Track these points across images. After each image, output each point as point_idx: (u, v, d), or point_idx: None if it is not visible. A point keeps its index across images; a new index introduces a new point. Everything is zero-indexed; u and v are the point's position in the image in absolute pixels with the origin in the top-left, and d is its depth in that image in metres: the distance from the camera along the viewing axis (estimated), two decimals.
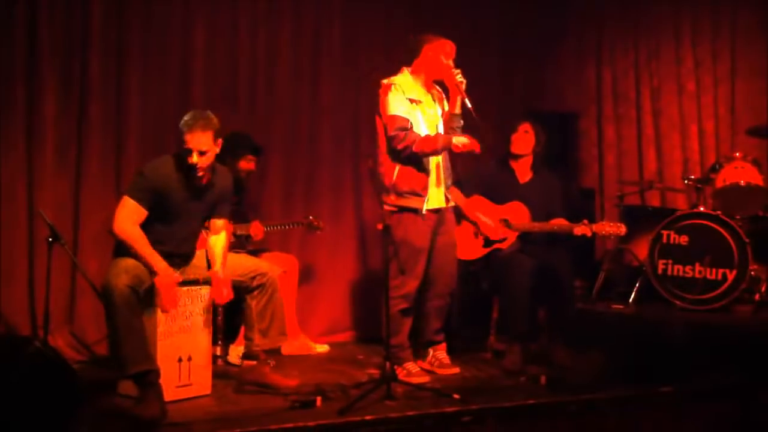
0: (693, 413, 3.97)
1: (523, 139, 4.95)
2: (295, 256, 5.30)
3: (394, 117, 4.29)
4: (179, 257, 3.96)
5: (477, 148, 4.24)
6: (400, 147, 4.27)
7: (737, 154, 5.29)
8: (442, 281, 4.52)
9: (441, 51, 4.39)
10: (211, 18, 5.38)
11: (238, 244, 4.80)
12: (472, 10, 6.27)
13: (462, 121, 4.44)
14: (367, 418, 3.51)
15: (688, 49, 6.32)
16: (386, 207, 4.28)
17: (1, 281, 4.70)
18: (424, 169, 4.37)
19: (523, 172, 5.01)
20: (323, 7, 5.79)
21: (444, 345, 4.64)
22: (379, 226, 4.09)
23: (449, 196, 4.52)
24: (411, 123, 4.31)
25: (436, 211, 4.45)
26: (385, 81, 4.40)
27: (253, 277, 4.03)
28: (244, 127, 5.14)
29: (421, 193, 4.36)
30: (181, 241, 3.95)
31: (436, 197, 4.44)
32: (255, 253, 4.83)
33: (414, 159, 4.32)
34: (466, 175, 5.00)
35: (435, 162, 4.43)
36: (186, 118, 3.81)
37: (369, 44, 5.90)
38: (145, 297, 3.73)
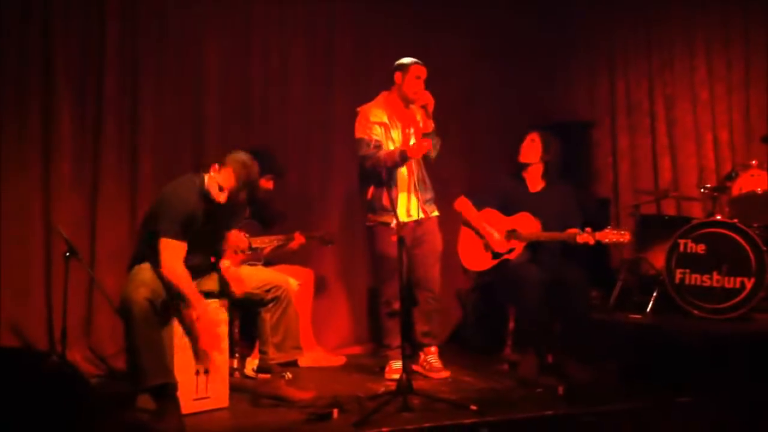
0: (710, 424, 3.94)
1: (530, 148, 4.97)
2: (311, 268, 5.31)
3: (359, 140, 4.64)
4: (197, 270, 3.97)
5: (427, 145, 4.56)
6: (368, 165, 4.58)
7: (753, 162, 5.27)
8: (423, 287, 4.74)
9: (410, 77, 4.66)
10: (225, 34, 5.42)
11: (254, 256, 4.81)
12: (484, 25, 6.31)
13: (437, 139, 4.71)
14: (384, 430, 3.50)
15: (702, 58, 6.29)
16: (367, 223, 4.70)
17: (19, 296, 4.72)
18: (395, 185, 4.63)
19: (534, 181, 5.01)
20: (336, 24, 5.83)
21: (435, 349, 4.78)
22: (394, 238, 4.13)
23: (427, 209, 4.74)
24: (379, 142, 4.60)
25: (414, 222, 4.67)
26: (360, 109, 4.72)
27: (268, 290, 4.04)
28: (258, 142, 5.15)
29: (391, 207, 4.51)
30: (201, 257, 3.96)
31: (410, 209, 4.69)
32: (270, 265, 4.84)
33: (382, 178, 4.54)
34: (480, 189, 5.05)
35: (406, 177, 4.68)
36: (241, 160, 3.86)
37: (381, 60, 5.90)
38: (163, 310, 3.74)
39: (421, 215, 4.72)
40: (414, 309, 4.77)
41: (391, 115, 4.68)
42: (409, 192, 4.69)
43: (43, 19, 4.81)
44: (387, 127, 4.66)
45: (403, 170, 4.67)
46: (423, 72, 4.67)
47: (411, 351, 4.75)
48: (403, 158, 4.55)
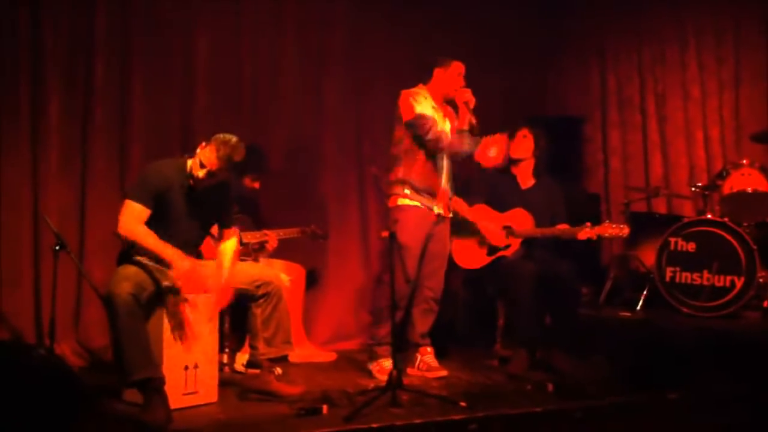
0: (700, 420, 3.95)
1: (522, 144, 4.99)
2: (301, 263, 5.29)
3: (422, 115, 4.48)
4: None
5: (499, 160, 4.49)
6: (429, 135, 4.44)
7: (744, 161, 5.28)
8: (428, 286, 4.63)
9: (452, 74, 4.61)
10: (215, 24, 5.39)
11: (244, 252, 4.79)
12: (475, 19, 6.29)
13: (470, 137, 4.59)
14: (373, 425, 3.49)
15: (693, 54, 6.30)
16: (399, 197, 4.48)
17: (6, 287, 4.69)
18: (438, 172, 4.55)
19: (525, 177, 5.02)
20: (327, 15, 5.81)
21: (431, 350, 4.71)
22: (384, 234, 4.10)
23: (450, 207, 4.67)
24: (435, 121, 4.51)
25: (438, 216, 4.59)
26: (408, 90, 4.57)
27: (259, 286, 4.02)
28: (248, 134, 5.11)
29: (435, 193, 4.53)
30: (180, 246, 3.91)
31: (442, 202, 4.58)
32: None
33: (433, 157, 4.51)
34: (469, 184, 5.03)
35: (445, 171, 4.60)
36: (224, 139, 3.84)
37: (372, 51, 5.91)
38: (148, 304, 3.73)
39: (444, 213, 4.65)
40: (413, 307, 4.68)
41: (436, 106, 4.62)
42: (446, 185, 4.63)
43: (32, 7, 4.77)
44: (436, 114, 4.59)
45: (444, 163, 4.61)
46: (463, 69, 4.64)
47: (404, 347, 4.69)
48: (471, 151, 4.51)
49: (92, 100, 4.96)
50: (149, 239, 3.77)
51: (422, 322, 4.69)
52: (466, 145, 4.53)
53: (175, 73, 5.25)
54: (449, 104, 4.69)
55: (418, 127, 4.48)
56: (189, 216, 3.92)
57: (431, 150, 4.51)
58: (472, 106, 4.55)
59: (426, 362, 4.66)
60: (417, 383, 4.37)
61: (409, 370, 4.62)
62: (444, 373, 4.61)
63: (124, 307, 3.57)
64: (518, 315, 4.72)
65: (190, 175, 3.85)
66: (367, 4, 5.97)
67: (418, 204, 4.50)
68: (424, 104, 4.54)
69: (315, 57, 5.77)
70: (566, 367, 4.58)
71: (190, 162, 3.89)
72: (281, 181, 5.51)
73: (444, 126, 4.59)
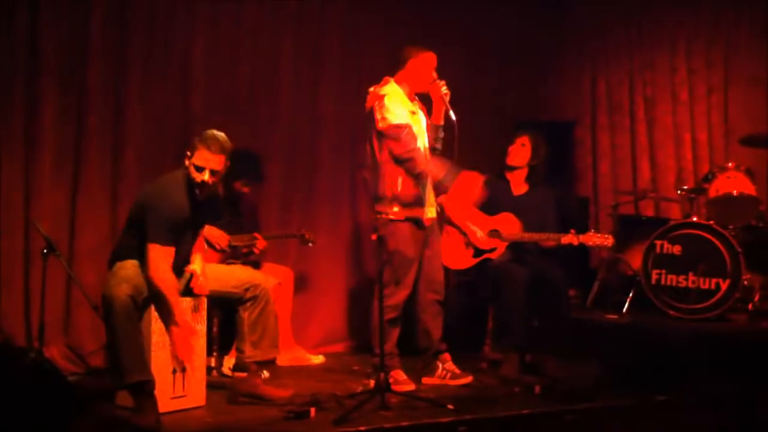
0: (688, 422, 3.98)
1: (519, 152, 4.99)
2: (291, 266, 5.30)
3: (399, 126, 4.29)
4: (179, 269, 3.93)
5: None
6: (406, 156, 4.27)
7: (730, 164, 5.32)
8: (433, 290, 4.54)
9: (426, 64, 4.43)
10: (212, 27, 5.38)
11: (233, 254, 4.80)
12: (469, 22, 6.30)
13: (443, 133, 4.49)
14: (362, 428, 3.51)
15: (682, 58, 6.34)
16: (387, 216, 4.26)
17: None
18: (421, 181, 4.41)
19: (518, 184, 5.04)
20: (324, 17, 5.80)
21: (449, 355, 4.59)
22: (374, 237, 4.10)
23: (437, 207, 4.59)
24: (412, 130, 4.35)
25: (429, 220, 4.50)
26: (378, 91, 4.40)
27: (247, 289, 4.02)
28: (244, 136, 5.13)
29: (424, 203, 4.42)
30: (183, 256, 3.93)
31: (430, 207, 4.51)
32: (251, 265, 4.83)
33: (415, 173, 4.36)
34: None
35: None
36: (206, 135, 3.82)
37: (369, 54, 5.91)
38: (143, 307, 3.73)
39: (434, 214, 4.55)
40: (420, 314, 4.52)
41: (408, 102, 4.43)
42: (428, 188, 4.46)
43: (29, 9, 4.76)
44: (411, 114, 4.39)
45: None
46: (435, 60, 4.43)
47: (423, 365, 4.57)
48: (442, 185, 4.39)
49: (86, 102, 4.92)
50: (173, 295, 3.68)
51: (435, 327, 4.53)
52: (442, 172, 4.34)
53: (170, 76, 5.23)
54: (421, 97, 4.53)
55: (398, 142, 4.28)
56: (190, 228, 3.91)
57: (406, 168, 4.31)
58: (448, 98, 4.38)
59: (449, 370, 4.51)
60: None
61: (425, 380, 4.50)
62: (469, 379, 4.48)
63: (122, 309, 3.57)
64: (510, 318, 4.72)
65: (194, 185, 3.80)
66: (364, 6, 5.97)
67: (410, 219, 4.38)
68: (398, 107, 4.32)
69: (311, 60, 5.75)
70: (555, 370, 4.60)
71: (186, 171, 3.83)
72: (274, 184, 5.51)
73: (422, 128, 4.45)
